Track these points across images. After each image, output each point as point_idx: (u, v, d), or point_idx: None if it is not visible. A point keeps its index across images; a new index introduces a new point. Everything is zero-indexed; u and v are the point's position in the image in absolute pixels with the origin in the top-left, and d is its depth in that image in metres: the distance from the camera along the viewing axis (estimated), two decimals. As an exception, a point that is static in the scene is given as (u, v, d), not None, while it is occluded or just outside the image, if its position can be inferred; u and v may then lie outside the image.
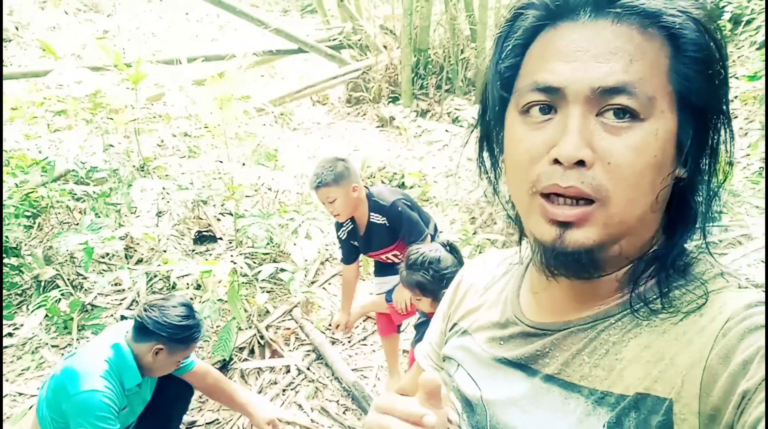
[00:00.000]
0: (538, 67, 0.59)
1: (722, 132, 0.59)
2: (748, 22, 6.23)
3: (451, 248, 2.14)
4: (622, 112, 0.55)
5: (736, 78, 5.95)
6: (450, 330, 0.85)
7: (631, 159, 0.55)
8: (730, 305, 0.55)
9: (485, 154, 0.71)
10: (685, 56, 0.56)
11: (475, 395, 0.72)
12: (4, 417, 2.69)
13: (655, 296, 0.60)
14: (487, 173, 0.71)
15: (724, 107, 0.59)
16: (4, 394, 2.90)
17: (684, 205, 0.62)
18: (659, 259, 0.61)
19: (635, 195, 0.56)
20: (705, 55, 0.56)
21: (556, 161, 0.56)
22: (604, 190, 0.55)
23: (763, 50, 5.65)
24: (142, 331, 2.06)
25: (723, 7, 6.28)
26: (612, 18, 0.56)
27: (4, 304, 3.48)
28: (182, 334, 2.05)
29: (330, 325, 3.59)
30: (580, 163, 0.55)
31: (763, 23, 5.88)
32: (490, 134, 0.69)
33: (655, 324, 0.59)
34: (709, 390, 0.52)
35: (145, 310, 2.08)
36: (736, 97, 5.82)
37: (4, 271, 3.57)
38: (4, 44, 7.15)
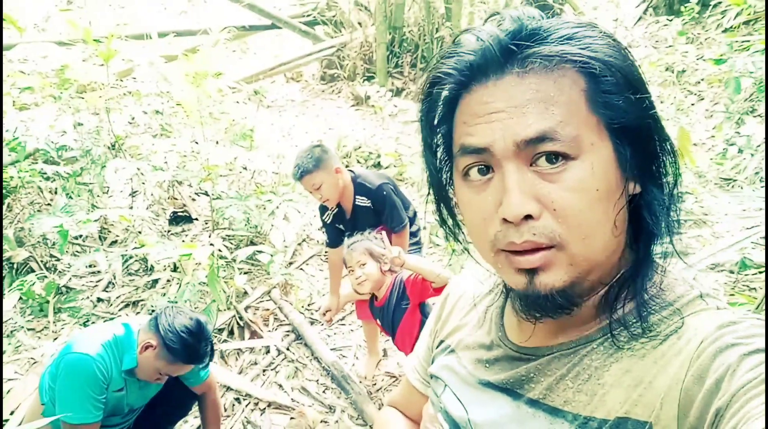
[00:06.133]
0: (463, 132, 0.61)
1: (658, 140, 0.61)
2: (715, 5, 6.37)
3: None
4: (554, 156, 0.56)
5: (703, 60, 6.09)
6: (437, 347, 0.86)
7: (574, 201, 0.56)
8: (705, 326, 0.57)
9: (444, 214, 0.73)
10: (597, 81, 0.57)
11: (463, 417, 0.73)
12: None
13: (634, 320, 0.61)
14: (451, 230, 0.73)
15: (654, 117, 0.60)
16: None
17: (643, 218, 0.64)
18: (632, 278, 0.63)
19: (590, 232, 0.57)
20: (616, 74, 0.57)
21: (506, 220, 0.58)
22: (557, 235, 0.57)
23: (729, 33, 5.78)
24: (150, 321, 2.06)
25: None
26: (516, 71, 0.57)
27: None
28: (175, 342, 1.96)
29: (309, 306, 3.64)
30: (528, 217, 0.56)
31: (729, 7, 6.00)
32: (445, 196, 0.72)
33: (636, 348, 0.60)
34: (687, 411, 0.53)
35: (168, 306, 2.08)
36: (702, 79, 5.98)
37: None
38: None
